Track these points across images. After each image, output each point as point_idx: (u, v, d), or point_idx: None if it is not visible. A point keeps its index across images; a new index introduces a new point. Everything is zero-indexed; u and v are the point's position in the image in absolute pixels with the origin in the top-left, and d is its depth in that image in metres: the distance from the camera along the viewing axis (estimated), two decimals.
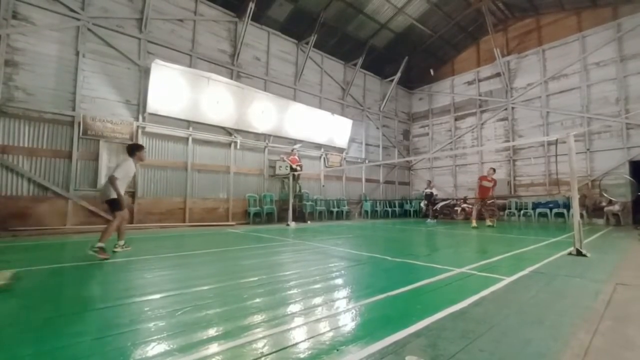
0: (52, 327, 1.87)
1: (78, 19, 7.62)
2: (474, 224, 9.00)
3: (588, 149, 11.46)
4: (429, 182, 13.52)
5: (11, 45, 6.83)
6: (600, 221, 10.59)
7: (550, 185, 12.23)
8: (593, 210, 10.91)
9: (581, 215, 8.01)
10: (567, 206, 10.82)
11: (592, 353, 1.55)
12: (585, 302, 2.36)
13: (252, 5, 9.77)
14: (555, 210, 11.37)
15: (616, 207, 10.20)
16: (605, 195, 10.55)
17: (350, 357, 1.48)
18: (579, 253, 4.21)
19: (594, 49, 11.55)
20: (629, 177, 10.19)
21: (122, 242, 4.34)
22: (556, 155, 6.03)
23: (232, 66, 10.37)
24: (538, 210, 11.73)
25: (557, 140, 5.43)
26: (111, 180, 4.01)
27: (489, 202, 9.90)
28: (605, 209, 10.41)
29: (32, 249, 4.79)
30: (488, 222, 9.31)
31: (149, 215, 8.37)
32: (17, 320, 1.96)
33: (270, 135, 11.27)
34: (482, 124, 14.62)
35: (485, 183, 9.42)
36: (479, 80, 14.95)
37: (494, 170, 9.77)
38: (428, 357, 1.48)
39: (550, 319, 1.98)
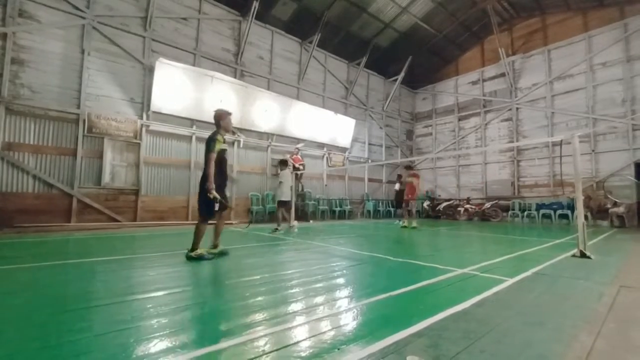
0: (57, 322, 1.89)
1: (83, 17, 7.66)
2: (405, 223, 8.83)
3: (593, 150, 11.36)
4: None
5: (17, 43, 6.89)
6: (605, 223, 10.50)
7: (554, 186, 12.15)
8: (597, 211, 10.82)
9: (585, 217, 7.94)
10: (571, 207, 10.73)
11: (595, 355, 1.54)
12: (589, 304, 2.34)
13: (256, 4, 9.77)
14: (559, 212, 11.28)
15: (621, 209, 10.10)
16: (610, 196, 10.47)
17: (351, 356, 1.49)
18: (583, 255, 4.18)
19: (600, 49, 11.44)
20: (634, 179, 10.10)
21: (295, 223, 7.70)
22: (560, 157, 5.98)
23: (235, 65, 10.38)
24: (542, 211, 11.63)
25: (561, 141, 5.39)
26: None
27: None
28: (610, 210, 10.31)
29: (37, 246, 4.84)
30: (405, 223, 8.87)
31: (151, 213, 8.42)
32: (23, 315, 1.99)
33: (273, 134, 11.28)
34: (486, 124, 14.54)
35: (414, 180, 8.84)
36: (483, 80, 14.87)
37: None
38: (429, 357, 1.48)
39: (552, 321, 1.97)
